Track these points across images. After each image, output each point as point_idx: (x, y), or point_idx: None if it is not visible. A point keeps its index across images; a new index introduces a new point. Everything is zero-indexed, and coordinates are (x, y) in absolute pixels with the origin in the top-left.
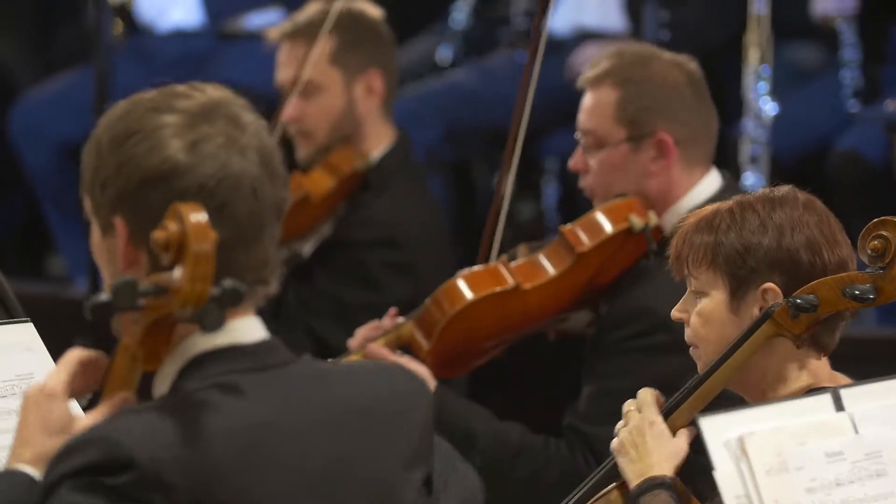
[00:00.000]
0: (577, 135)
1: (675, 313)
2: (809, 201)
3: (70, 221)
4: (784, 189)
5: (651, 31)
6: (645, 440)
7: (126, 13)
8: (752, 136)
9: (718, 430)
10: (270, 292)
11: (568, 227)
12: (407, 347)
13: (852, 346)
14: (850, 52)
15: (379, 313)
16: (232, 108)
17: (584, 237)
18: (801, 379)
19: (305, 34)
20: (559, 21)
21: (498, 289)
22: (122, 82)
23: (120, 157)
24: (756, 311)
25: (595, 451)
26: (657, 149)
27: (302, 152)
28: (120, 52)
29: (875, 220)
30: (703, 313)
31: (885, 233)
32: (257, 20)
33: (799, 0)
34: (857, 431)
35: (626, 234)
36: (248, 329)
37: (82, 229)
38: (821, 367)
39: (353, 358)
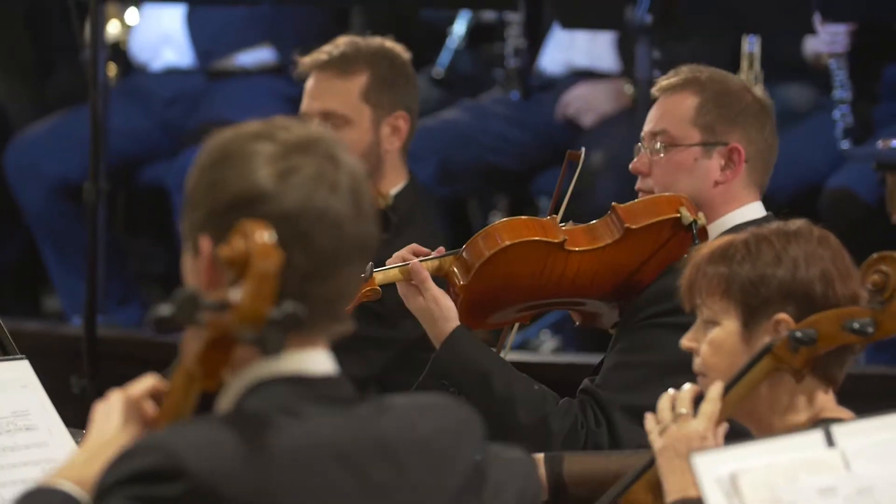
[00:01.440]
0: (643, 138)
1: (686, 342)
2: (824, 236)
3: (65, 259)
4: (798, 223)
5: (643, 70)
6: (687, 452)
7: (120, 53)
8: None
9: (711, 466)
10: (345, 330)
11: (622, 204)
12: (443, 281)
13: (843, 383)
14: (842, 90)
15: (392, 349)
16: (330, 145)
17: (635, 215)
18: (806, 412)
19: (338, 67)
20: (551, 61)
21: (544, 238)
22: (116, 121)
23: (212, 178)
24: (767, 342)
25: (607, 415)
26: (727, 158)
27: None
28: (115, 92)
29: (875, 255)
30: (715, 342)
31: (884, 268)
32: (247, 58)
33: (791, 39)
34: (848, 468)
35: (674, 225)
36: (315, 360)
37: (77, 267)
38: (827, 400)
39: (395, 273)
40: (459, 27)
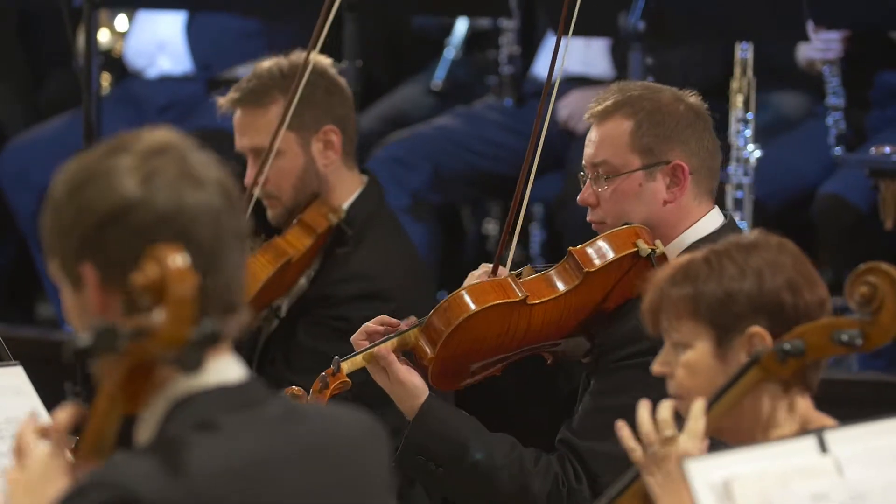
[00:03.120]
0: (584, 169)
1: (657, 367)
2: (782, 244)
3: None
4: (754, 234)
5: (636, 77)
6: (680, 473)
7: (115, 60)
8: (737, 181)
9: (704, 472)
10: (242, 322)
11: (577, 247)
12: (411, 354)
13: (836, 389)
14: (835, 97)
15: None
16: (183, 146)
17: (592, 257)
18: (791, 421)
19: (252, 101)
20: (545, 68)
21: (505, 300)
22: (110, 128)
23: (75, 205)
24: (743, 357)
25: (586, 466)
26: (672, 176)
27: (271, 213)
28: (109, 99)
29: (863, 266)
30: (690, 365)
31: (872, 279)
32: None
33: (784, 46)
34: (841, 474)
35: (632, 259)
36: (228, 368)
37: None
38: (807, 407)
39: (360, 359)
40: (456, 38)
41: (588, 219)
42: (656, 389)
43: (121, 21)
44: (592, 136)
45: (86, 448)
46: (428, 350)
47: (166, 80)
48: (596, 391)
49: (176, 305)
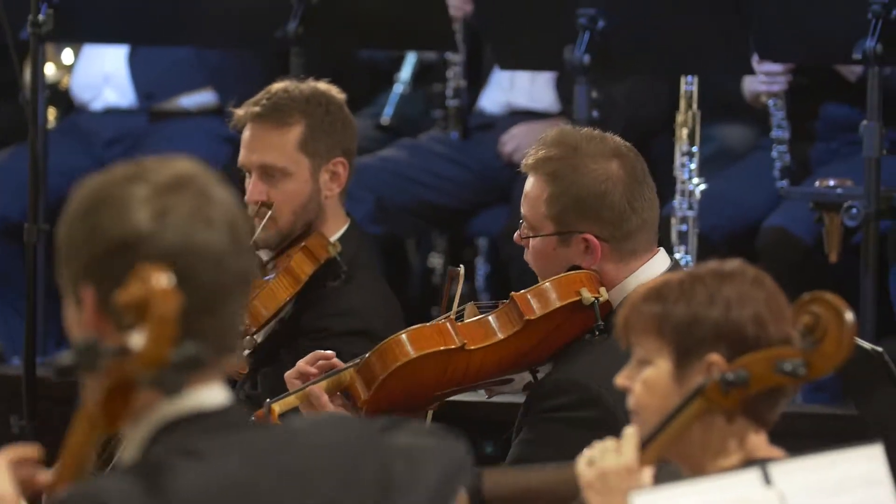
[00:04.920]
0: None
1: (620, 380)
2: (759, 277)
3: (4, 299)
4: (734, 264)
5: (582, 111)
6: (622, 489)
7: (61, 94)
8: (681, 214)
9: None
10: (238, 361)
11: (520, 293)
12: (346, 393)
13: (781, 422)
14: (780, 130)
15: None
16: (202, 181)
17: (534, 305)
18: (737, 453)
19: (272, 119)
20: (490, 101)
21: (442, 347)
22: (57, 161)
23: (88, 225)
24: (699, 383)
25: None
26: (584, 245)
27: (262, 234)
28: (55, 131)
29: (806, 295)
30: (647, 382)
31: (815, 309)
32: (189, 101)
33: (729, 79)
34: None
35: (575, 307)
36: (212, 395)
37: (17, 307)
38: (759, 441)
39: (293, 399)
40: (405, 73)
41: (525, 257)
42: (578, 445)
43: (67, 55)
44: (525, 185)
45: (65, 467)
46: (362, 392)
47: (112, 113)
48: (522, 440)
49: (157, 325)
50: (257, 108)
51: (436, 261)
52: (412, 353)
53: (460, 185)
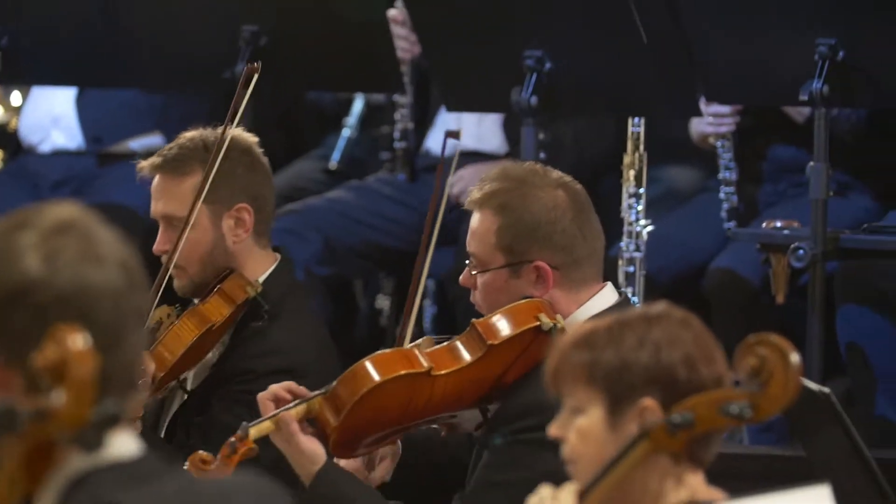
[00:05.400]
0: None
1: (554, 431)
2: (686, 318)
3: None
4: (660, 306)
5: (529, 152)
6: None
7: (9, 136)
8: (628, 255)
9: None
10: (140, 399)
11: (481, 320)
12: (314, 421)
13: (727, 463)
14: (727, 171)
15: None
16: (87, 222)
17: (495, 330)
18: (679, 495)
19: (172, 168)
20: (438, 142)
21: (410, 371)
22: (5, 203)
23: None
24: (634, 428)
25: None
26: (536, 274)
27: (177, 283)
28: (3, 174)
29: (752, 337)
30: (582, 431)
31: (761, 350)
32: (137, 144)
33: (676, 121)
34: None
35: (534, 333)
36: (123, 445)
37: None
38: (698, 482)
39: (268, 424)
40: (353, 116)
41: (471, 299)
42: (545, 465)
43: (15, 97)
44: (471, 222)
45: None
46: (331, 419)
47: (60, 155)
48: (486, 464)
49: (76, 387)
50: (158, 159)
51: (383, 302)
52: (379, 377)
53: (408, 227)
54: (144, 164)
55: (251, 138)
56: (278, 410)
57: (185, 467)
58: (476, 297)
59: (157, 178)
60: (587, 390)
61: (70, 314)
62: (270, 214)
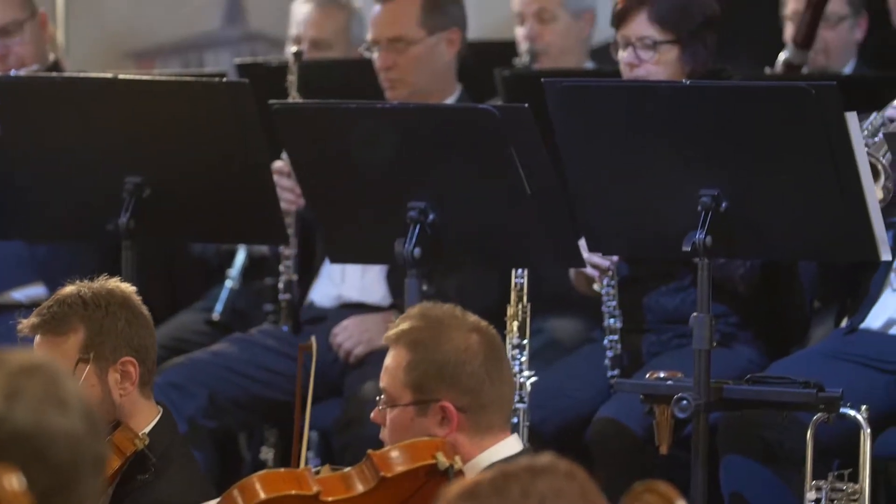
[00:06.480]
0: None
1: None
2: (571, 470)
3: None
4: (546, 458)
5: (413, 304)
6: None
7: None
8: (512, 406)
9: None
10: None
11: (377, 451)
12: None
13: None
14: (611, 321)
15: None
16: (53, 368)
17: (390, 463)
18: None
19: (52, 328)
20: (322, 294)
21: (298, 492)
22: None
23: None
24: None
25: None
26: (441, 415)
27: None
28: None
29: (639, 485)
30: None
31: (648, 498)
32: (20, 294)
33: (560, 271)
34: None
35: (430, 470)
36: None
37: None
38: None
39: None
40: (236, 268)
41: (380, 436)
42: None
43: None
44: (385, 359)
45: None
46: None
47: None
48: None
49: None
50: (37, 319)
51: (267, 454)
52: (268, 493)
53: (291, 379)
54: (24, 325)
55: (128, 289)
56: None
57: None
58: (384, 434)
59: (37, 338)
60: None
61: (23, 453)
62: (154, 365)
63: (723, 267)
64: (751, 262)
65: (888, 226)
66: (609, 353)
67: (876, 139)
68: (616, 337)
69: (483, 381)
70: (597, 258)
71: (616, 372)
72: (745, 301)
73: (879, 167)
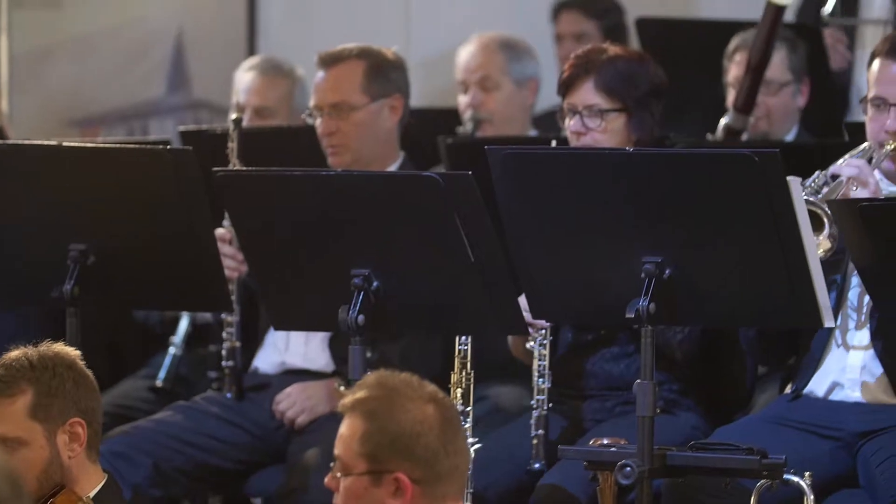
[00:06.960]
0: None
1: None
2: None
3: None
4: None
5: (356, 371)
6: None
7: None
8: None
9: None
10: None
11: None
12: None
13: None
14: (540, 381)
15: None
16: None
17: None
18: None
19: (1, 391)
20: (265, 361)
21: None
22: None
23: None
24: None
25: None
26: (395, 486)
27: None
28: None
29: None
30: None
31: None
32: None
33: (503, 338)
34: None
35: None
36: None
37: None
38: None
39: None
40: (179, 335)
41: (333, 502)
42: None
43: None
44: (341, 425)
45: None
46: None
47: None
48: None
49: None
50: None
51: None
52: None
53: (235, 446)
54: None
55: (73, 352)
56: None
57: None
58: (337, 501)
59: None
60: None
61: None
62: (100, 428)
63: (661, 333)
64: (689, 329)
65: (830, 284)
66: (535, 413)
67: (818, 196)
68: (543, 397)
69: (438, 452)
70: (542, 325)
71: (540, 432)
72: (688, 368)
73: (823, 216)
